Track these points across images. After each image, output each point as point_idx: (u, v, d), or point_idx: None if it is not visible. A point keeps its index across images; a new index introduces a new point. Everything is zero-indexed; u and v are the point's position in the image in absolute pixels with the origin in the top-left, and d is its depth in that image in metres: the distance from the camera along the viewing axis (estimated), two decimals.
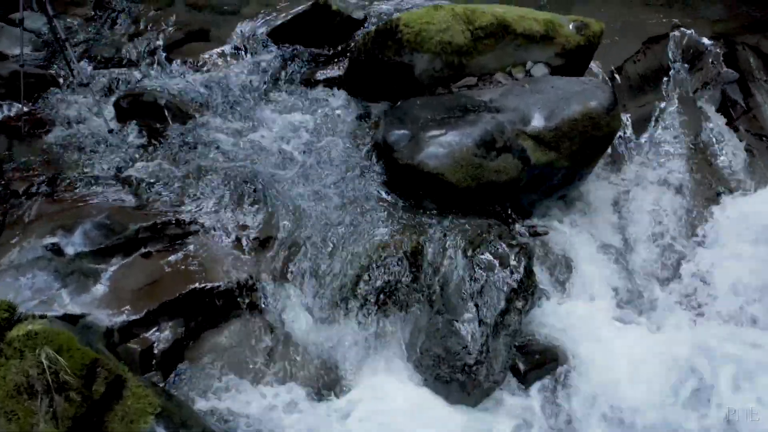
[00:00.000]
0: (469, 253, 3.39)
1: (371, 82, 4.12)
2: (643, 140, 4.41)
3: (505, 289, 3.32)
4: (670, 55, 4.78)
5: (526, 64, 4.14)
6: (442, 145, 3.63)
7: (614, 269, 3.78)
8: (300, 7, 4.65)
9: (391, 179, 3.84)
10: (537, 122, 3.74)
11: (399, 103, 4.11)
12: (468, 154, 3.61)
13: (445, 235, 3.51)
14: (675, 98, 4.61)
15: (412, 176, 3.66)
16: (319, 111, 4.28)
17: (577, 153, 3.79)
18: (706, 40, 4.83)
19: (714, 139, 4.42)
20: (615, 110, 3.81)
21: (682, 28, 4.89)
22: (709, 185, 4.23)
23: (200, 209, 3.67)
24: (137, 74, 4.58)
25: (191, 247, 3.49)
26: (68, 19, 5.07)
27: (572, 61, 4.15)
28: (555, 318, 3.46)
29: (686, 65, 4.77)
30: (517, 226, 3.79)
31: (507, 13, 4.01)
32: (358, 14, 4.80)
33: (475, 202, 3.71)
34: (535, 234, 3.78)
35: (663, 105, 4.60)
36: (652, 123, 4.52)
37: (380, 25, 3.94)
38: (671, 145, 4.38)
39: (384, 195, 3.80)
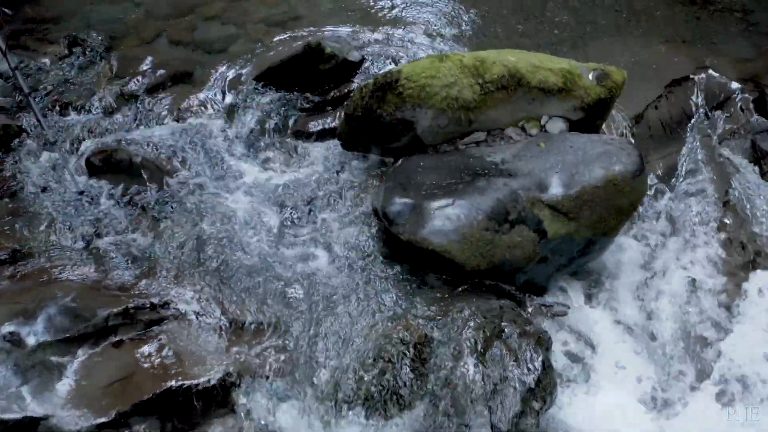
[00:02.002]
0: (480, 346, 3.00)
1: (369, 137, 3.73)
2: (666, 197, 4.01)
3: (520, 388, 2.93)
4: (694, 100, 4.39)
5: (541, 119, 3.74)
6: (449, 219, 3.24)
7: (639, 353, 3.39)
8: (291, 50, 4.24)
9: (392, 251, 3.46)
10: (555, 189, 3.34)
11: (400, 161, 3.71)
12: (478, 229, 3.22)
13: (452, 322, 3.12)
14: (700, 149, 4.21)
15: (415, 253, 3.27)
16: (312, 169, 3.89)
17: (598, 223, 3.40)
18: (733, 84, 4.43)
19: (745, 196, 4.02)
20: (642, 175, 3.41)
21: (707, 70, 4.50)
22: (741, 248, 3.83)
23: (177, 290, 3.28)
24: (112, 124, 4.18)
25: (167, 335, 3.12)
26: (40, 59, 4.67)
27: (591, 114, 3.75)
28: (576, 417, 3.08)
29: (712, 111, 4.37)
30: (532, 305, 3.40)
31: (520, 62, 3.61)
32: (355, 55, 4.40)
33: (485, 279, 3.32)
34: (552, 314, 3.39)
35: (687, 156, 4.20)
36: (676, 177, 4.12)
37: (379, 78, 3.53)
38: (698, 203, 3.98)
39: (384, 270, 3.41)
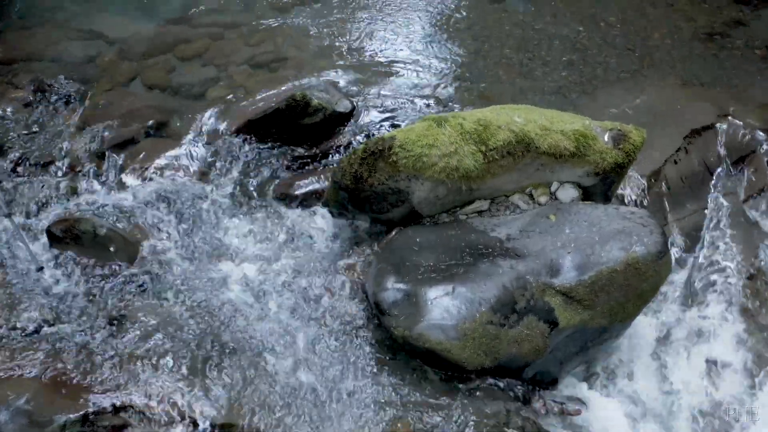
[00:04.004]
0: None
1: (359, 206, 3.35)
2: (686, 267, 3.64)
3: None
4: (716, 152, 4.01)
5: (551, 185, 3.37)
6: (448, 311, 2.86)
7: None
8: (273, 102, 3.86)
9: (386, 337, 3.09)
10: (567, 273, 2.97)
11: (394, 233, 3.34)
12: (481, 323, 2.84)
13: (454, 428, 2.75)
14: (724, 209, 3.84)
15: (411, 349, 2.89)
16: (297, 240, 3.51)
17: (616, 310, 3.03)
18: (758, 133, 4.06)
19: None
20: (665, 257, 3.04)
21: (729, 118, 4.12)
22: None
23: (145, 389, 2.90)
24: (79, 184, 3.80)
25: None
26: (3, 106, 4.29)
27: (606, 180, 3.38)
28: None
29: (736, 165, 4.00)
30: (542, 404, 3.02)
31: (528, 124, 3.23)
32: (345, 105, 4.02)
33: (489, 377, 2.95)
34: (564, 413, 3.01)
35: (709, 218, 3.83)
36: (698, 241, 3.75)
37: (369, 144, 3.15)
38: (721, 274, 3.61)
39: (376, 361, 3.03)
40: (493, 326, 2.86)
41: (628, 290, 3.00)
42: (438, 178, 3.13)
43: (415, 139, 3.10)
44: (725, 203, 3.88)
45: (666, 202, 3.86)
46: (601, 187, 3.42)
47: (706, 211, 3.86)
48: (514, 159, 3.21)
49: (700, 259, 3.67)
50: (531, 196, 3.38)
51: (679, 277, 3.60)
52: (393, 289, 2.98)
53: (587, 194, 3.44)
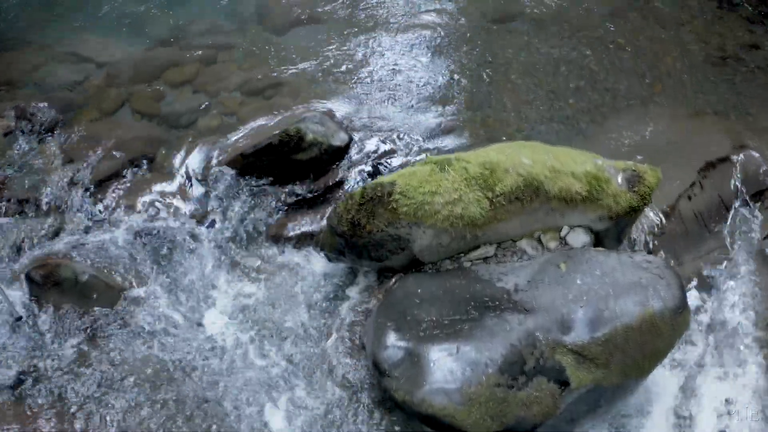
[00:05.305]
0: None
1: (357, 253, 3.14)
2: (703, 313, 3.44)
3: None
4: (732, 186, 3.81)
5: (560, 230, 3.17)
6: (453, 373, 2.67)
7: None
8: (266, 136, 3.65)
9: (386, 396, 2.89)
10: (580, 330, 2.78)
11: (394, 281, 3.15)
12: (488, 387, 2.65)
13: None
14: (741, 248, 3.65)
15: (413, 413, 2.70)
16: (290, 285, 3.32)
17: (631, 368, 2.83)
18: None
19: None
20: (684, 312, 2.85)
21: (745, 149, 3.93)
22: None
23: None
24: (60, 224, 3.60)
25: None
26: None
27: (620, 224, 3.19)
28: None
29: (753, 200, 3.80)
30: None
31: (536, 166, 3.03)
32: (341, 138, 3.82)
33: None
34: None
35: (725, 258, 3.63)
36: (714, 284, 3.55)
37: (367, 190, 2.95)
38: (738, 320, 3.42)
39: (376, 423, 2.84)
40: (500, 389, 2.67)
41: (644, 348, 2.80)
42: (441, 226, 2.94)
43: (417, 185, 2.91)
44: (742, 241, 3.68)
45: (680, 241, 3.66)
46: (614, 231, 3.23)
47: (722, 249, 3.66)
48: (523, 204, 3.01)
49: (719, 302, 3.47)
50: (539, 240, 3.18)
51: (697, 322, 3.39)
52: (393, 347, 2.79)
53: (598, 238, 3.25)
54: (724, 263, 3.59)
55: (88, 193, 3.69)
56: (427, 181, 2.91)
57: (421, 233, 2.97)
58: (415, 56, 4.57)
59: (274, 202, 3.61)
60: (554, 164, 3.09)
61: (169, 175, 3.80)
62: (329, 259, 3.31)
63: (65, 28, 4.93)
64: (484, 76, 4.40)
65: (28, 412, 2.90)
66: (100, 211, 3.61)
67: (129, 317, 3.18)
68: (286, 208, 3.59)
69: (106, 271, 3.32)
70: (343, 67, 4.46)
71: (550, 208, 3.06)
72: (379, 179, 3.00)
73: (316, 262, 3.37)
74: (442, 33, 4.75)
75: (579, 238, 3.16)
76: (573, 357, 2.76)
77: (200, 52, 4.70)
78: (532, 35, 4.72)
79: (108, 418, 2.85)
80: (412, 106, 4.18)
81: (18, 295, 3.29)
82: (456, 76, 4.40)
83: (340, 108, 4.11)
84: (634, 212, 3.15)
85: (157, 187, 3.73)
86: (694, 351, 3.35)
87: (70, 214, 3.61)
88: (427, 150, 3.86)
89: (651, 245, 3.55)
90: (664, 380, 3.24)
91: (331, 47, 4.64)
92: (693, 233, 3.71)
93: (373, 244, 3.06)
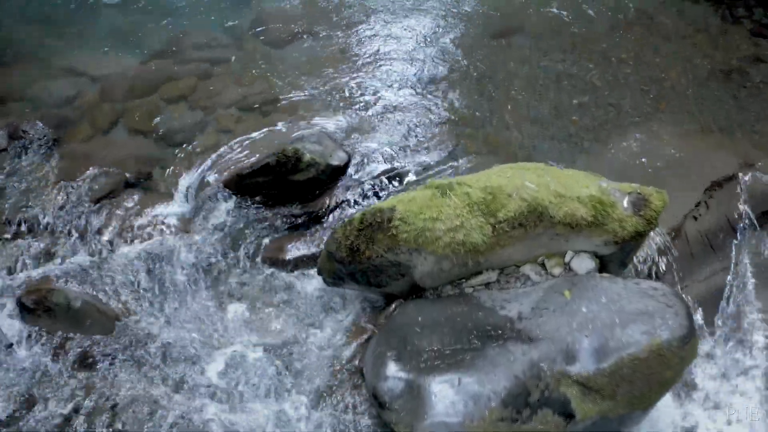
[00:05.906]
0: None
1: (355, 279, 3.07)
2: (708, 339, 3.37)
3: None
4: (738, 206, 3.74)
5: (565, 255, 3.09)
6: (455, 407, 2.59)
7: None
8: (263, 156, 3.58)
9: (387, 426, 2.82)
10: (585, 361, 2.70)
11: (394, 307, 3.07)
12: (491, 421, 2.57)
13: None
14: (748, 271, 3.57)
15: None
16: (286, 311, 3.24)
17: (637, 399, 2.75)
18: None
19: None
20: (692, 341, 2.77)
21: (752, 168, 3.85)
22: None
23: None
24: (53, 247, 3.52)
25: None
26: None
27: (625, 249, 3.11)
28: None
29: (760, 220, 3.72)
30: None
31: (541, 190, 2.95)
32: (340, 157, 3.74)
33: None
34: None
35: (732, 279, 3.55)
36: (720, 308, 3.48)
37: (366, 215, 2.88)
38: (747, 342, 3.34)
39: None
40: (504, 423, 2.59)
41: (651, 378, 2.72)
42: (442, 253, 2.86)
43: (417, 211, 2.83)
44: (749, 263, 3.60)
45: (685, 262, 3.58)
46: (619, 256, 3.15)
47: (729, 271, 3.59)
48: (526, 230, 2.93)
49: (725, 327, 3.39)
50: (543, 266, 3.11)
51: (702, 349, 3.32)
52: (393, 378, 2.71)
53: (603, 262, 3.17)
54: (730, 284, 3.51)
55: (81, 215, 3.60)
56: (428, 207, 2.83)
57: (422, 260, 2.89)
58: (415, 72, 4.50)
59: (270, 224, 3.54)
60: (558, 189, 3.01)
61: (165, 196, 3.72)
62: (327, 284, 3.23)
63: (59, 42, 4.86)
64: (485, 92, 4.33)
65: None
66: (94, 233, 3.52)
67: (122, 347, 3.10)
68: (283, 229, 3.51)
69: (99, 295, 3.23)
70: (342, 83, 4.38)
71: (554, 233, 2.99)
72: (379, 204, 2.92)
73: (313, 286, 3.29)
74: (443, 49, 4.68)
75: (584, 264, 3.08)
76: (578, 388, 2.69)
77: (196, 66, 4.63)
78: (534, 49, 4.65)
79: None
80: (413, 123, 4.10)
81: (10, 320, 3.21)
82: (457, 93, 4.33)
83: (339, 125, 4.04)
84: (639, 237, 3.07)
85: (153, 209, 3.65)
86: (697, 379, 3.27)
87: (63, 236, 3.53)
88: (428, 167, 3.79)
89: (656, 268, 3.47)
90: (666, 409, 3.17)
91: (328, 62, 4.57)
92: (699, 254, 3.64)
93: (372, 270, 2.98)
